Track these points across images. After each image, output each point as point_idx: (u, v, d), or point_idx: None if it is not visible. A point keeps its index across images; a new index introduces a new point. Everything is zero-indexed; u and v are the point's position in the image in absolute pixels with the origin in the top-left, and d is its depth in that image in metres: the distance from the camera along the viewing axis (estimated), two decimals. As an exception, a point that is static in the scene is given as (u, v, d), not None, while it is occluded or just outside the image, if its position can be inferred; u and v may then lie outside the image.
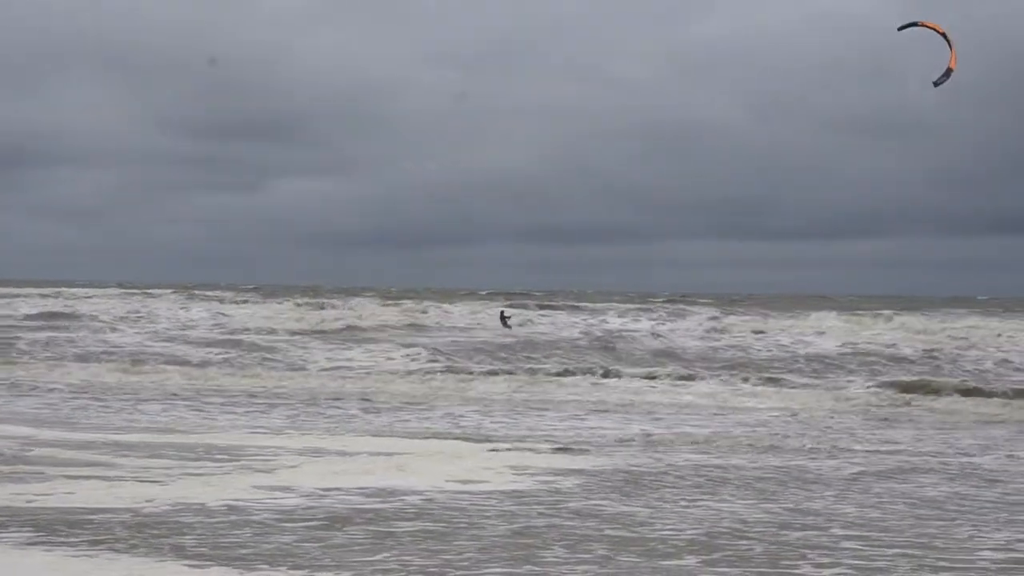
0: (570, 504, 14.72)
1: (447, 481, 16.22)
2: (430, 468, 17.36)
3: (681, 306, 59.98)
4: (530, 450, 19.35)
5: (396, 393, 29.24)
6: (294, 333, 45.13)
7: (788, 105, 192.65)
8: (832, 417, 25.54)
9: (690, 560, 11.87)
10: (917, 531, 13.35)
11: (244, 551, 11.88)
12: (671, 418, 24.93)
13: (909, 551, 12.25)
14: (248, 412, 25.07)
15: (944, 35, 16.03)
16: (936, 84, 16.09)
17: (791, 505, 14.83)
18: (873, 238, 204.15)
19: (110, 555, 11.56)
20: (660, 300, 71.93)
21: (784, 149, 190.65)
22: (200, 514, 13.63)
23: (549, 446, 19.89)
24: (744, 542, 12.70)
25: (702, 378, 31.94)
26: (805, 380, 32.40)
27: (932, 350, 38.10)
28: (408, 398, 28.27)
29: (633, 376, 32.32)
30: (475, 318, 50.36)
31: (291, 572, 11.04)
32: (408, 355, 37.17)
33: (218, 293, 64.65)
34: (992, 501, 15.31)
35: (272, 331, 45.35)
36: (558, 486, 16.02)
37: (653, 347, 40.37)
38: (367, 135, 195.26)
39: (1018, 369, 34.68)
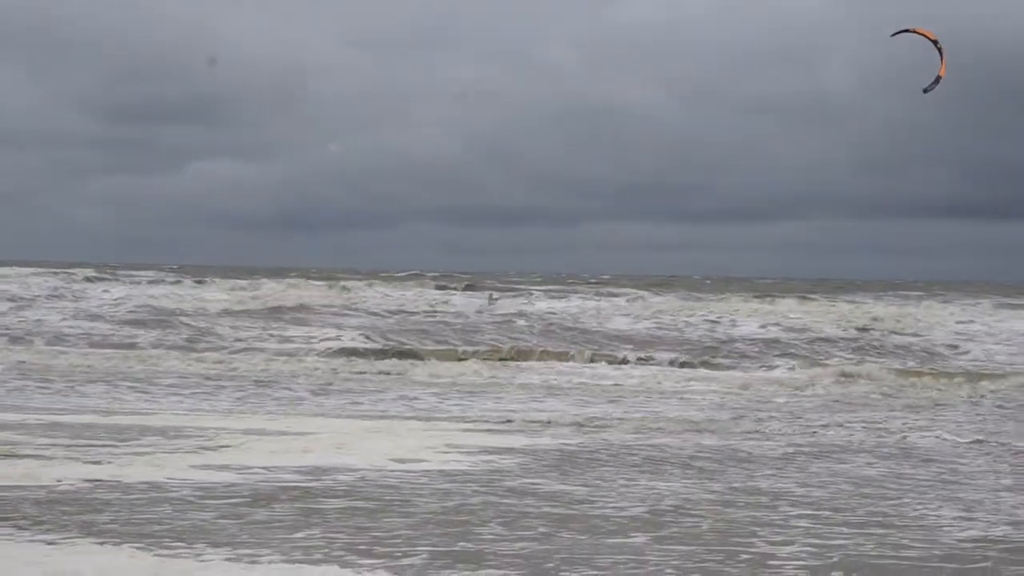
0: (507, 483, 14.08)
1: (385, 460, 15.53)
2: (370, 447, 16.64)
3: (610, 288, 59.53)
4: (470, 430, 18.73)
5: (343, 374, 28.14)
6: (228, 313, 43.38)
7: (709, 89, 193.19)
8: (763, 399, 25.07)
9: (638, 537, 11.29)
10: (868, 509, 12.84)
11: (157, 527, 11.17)
12: (606, 399, 24.30)
13: (868, 529, 11.74)
14: (194, 393, 23.96)
15: (936, 42, 15.87)
16: (925, 91, 16.00)
17: (734, 484, 14.29)
18: (795, 220, 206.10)
19: (10, 531, 10.80)
20: (586, 283, 71.41)
21: (706, 133, 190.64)
22: (117, 491, 12.88)
23: (492, 426, 19.29)
24: (690, 519, 12.15)
25: (637, 361, 31.31)
26: (735, 362, 31.98)
27: (860, 331, 38.02)
28: (355, 379, 27.19)
29: (570, 359, 31.57)
30: (407, 300, 49.15)
31: (206, 549, 10.37)
32: (350, 336, 36.09)
33: (140, 273, 62.65)
34: (929, 480, 14.90)
35: (204, 312, 43.57)
36: (496, 465, 15.38)
37: (589, 329, 39.72)
38: (287, 117, 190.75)
39: (950, 347, 34.74)
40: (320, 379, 27.29)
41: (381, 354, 32.03)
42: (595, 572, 9.96)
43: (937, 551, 10.88)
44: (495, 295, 48.78)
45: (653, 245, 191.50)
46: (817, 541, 11.21)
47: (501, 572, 9.89)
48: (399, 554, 10.43)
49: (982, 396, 25.62)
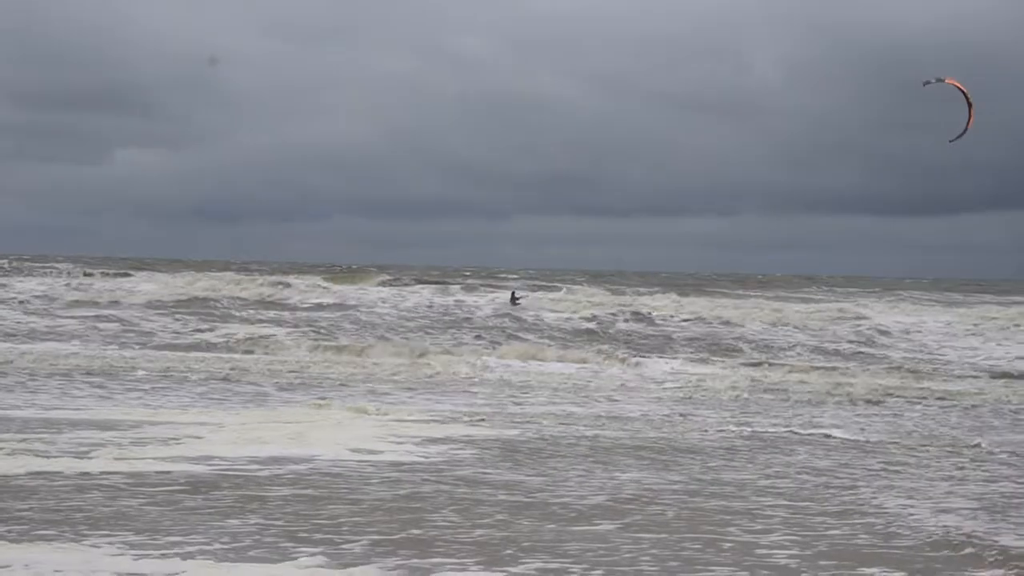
0: (459, 472, 13.25)
1: (340, 450, 14.67)
2: (325, 438, 15.68)
3: (539, 281, 59.06)
4: (425, 422, 17.77)
5: (298, 370, 25.90)
6: (165, 307, 41.20)
7: (629, 83, 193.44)
8: (695, 392, 24.05)
9: (603, 524, 10.56)
10: (841, 499, 12.19)
11: (79, 515, 10.32)
12: (552, 393, 23.24)
13: (853, 519, 11.12)
14: (155, 388, 22.01)
15: (966, 94, 15.92)
16: (952, 141, 16.24)
17: (695, 475, 13.51)
18: (712, 216, 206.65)
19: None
20: (510, 275, 70.66)
21: (624, 126, 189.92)
22: (42, 479, 12.01)
23: (445, 419, 18.26)
24: (655, 508, 11.41)
25: (579, 356, 30.03)
26: (669, 356, 30.96)
27: (776, 327, 37.80)
28: (308, 376, 25.27)
29: (504, 354, 30.13)
30: (341, 294, 47.34)
31: (129, 537, 9.64)
32: (288, 332, 34.06)
33: (60, 265, 60.20)
34: (876, 470, 14.27)
35: (134, 304, 41.35)
36: (449, 456, 14.49)
37: (527, 324, 38.69)
38: (204, 106, 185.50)
39: (865, 344, 34.89)
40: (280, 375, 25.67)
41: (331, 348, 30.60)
42: (562, 559, 9.28)
43: (919, 539, 10.29)
44: (519, 294, 47.66)
45: (572, 239, 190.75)
46: (800, 529, 10.55)
47: (452, 560, 9.18)
48: (339, 540, 9.72)
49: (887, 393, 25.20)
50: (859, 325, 38.77)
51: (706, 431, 17.57)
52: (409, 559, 9.13)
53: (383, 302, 44.06)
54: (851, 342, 35.27)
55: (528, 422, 18.03)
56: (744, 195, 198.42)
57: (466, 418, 18.28)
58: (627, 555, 9.44)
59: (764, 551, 9.66)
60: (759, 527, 10.60)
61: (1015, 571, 9.15)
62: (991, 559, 9.54)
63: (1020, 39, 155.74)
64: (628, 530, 10.33)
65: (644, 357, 30.13)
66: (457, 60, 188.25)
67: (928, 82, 16.07)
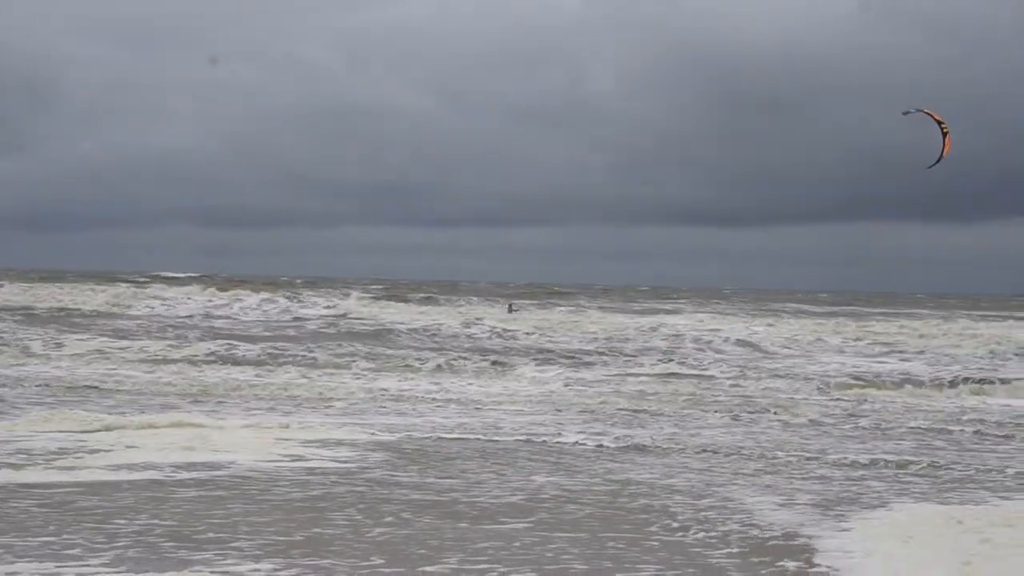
0: (368, 475, 12.82)
1: (250, 457, 13.96)
2: (239, 445, 14.91)
3: (393, 292, 59.05)
4: (329, 429, 16.85)
5: (197, 383, 23.56)
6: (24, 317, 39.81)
7: (467, 92, 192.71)
8: (562, 402, 22.53)
9: (512, 522, 10.36)
10: (736, 494, 12.19)
11: None
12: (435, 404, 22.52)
13: (813, 517, 11.10)
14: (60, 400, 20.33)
15: (941, 124, 16.34)
16: (929, 168, 16.73)
17: (597, 475, 13.22)
18: (549, 226, 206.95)
19: None
20: (358, 284, 69.96)
21: (462, 136, 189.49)
22: None
23: (351, 430, 17.27)
24: (573, 507, 11.20)
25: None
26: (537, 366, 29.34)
27: (614, 337, 38.00)
28: (213, 387, 23.28)
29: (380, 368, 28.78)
30: (194, 306, 46.15)
31: None
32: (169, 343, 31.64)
33: None
34: (749, 472, 14.04)
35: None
36: (359, 463, 13.82)
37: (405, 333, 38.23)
38: (35, 112, 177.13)
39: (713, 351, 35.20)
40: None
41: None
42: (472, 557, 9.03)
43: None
44: (515, 305, 48.50)
45: (409, 248, 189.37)
46: (715, 525, 10.50)
47: (349, 561, 8.84)
48: (229, 538, 9.39)
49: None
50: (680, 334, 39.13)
51: (589, 437, 17.01)
52: (297, 559, 8.82)
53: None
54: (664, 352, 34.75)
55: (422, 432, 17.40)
56: (579, 205, 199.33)
57: (360, 429, 17.38)
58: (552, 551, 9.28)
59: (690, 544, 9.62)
60: (676, 525, 10.49)
61: None
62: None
63: (851, 54, 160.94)
64: (541, 528, 10.13)
65: (505, 368, 28.73)
66: (297, 69, 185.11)
67: (908, 112, 16.45)
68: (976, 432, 18.19)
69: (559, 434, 16.82)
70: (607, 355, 32.17)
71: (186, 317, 41.65)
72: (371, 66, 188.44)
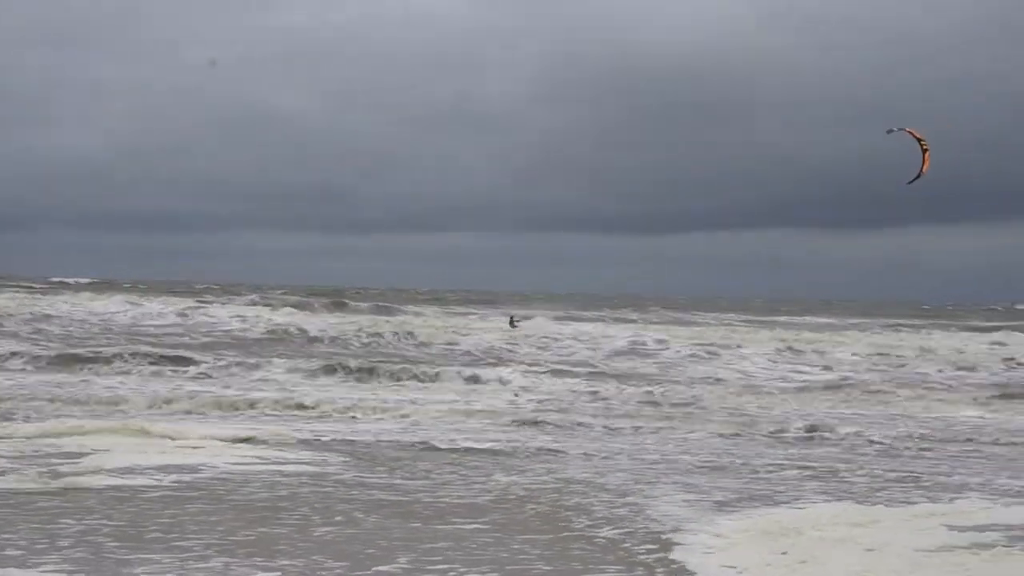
0: (335, 477, 14.16)
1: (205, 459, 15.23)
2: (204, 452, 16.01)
3: (296, 298, 58.04)
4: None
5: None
6: None
7: (367, 97, 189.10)
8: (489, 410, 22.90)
9: (459, 521, 11.66)
10: (658, 491, 13.60)
11: None
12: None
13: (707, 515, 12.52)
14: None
15: (920, 141, 16.91)
16: (909, 183, 17.24)
17: (541, 476, 14.77)
18: (450, 232, 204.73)
19: None
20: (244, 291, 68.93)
21: (363, 141, 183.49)
22: None
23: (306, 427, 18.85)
24: (525, 505, 12.65)
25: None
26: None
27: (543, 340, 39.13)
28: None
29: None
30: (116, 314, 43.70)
31: None
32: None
33: None
34: (667, 471, 15.68)
35: None
36: (319, 467, 15.08)
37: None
38: None
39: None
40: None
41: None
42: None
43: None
44: (516, 317, 48.73)
45: (305, 253, 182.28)
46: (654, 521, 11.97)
47: (294, 561, 9.79)
48: (176, 537, 10.42)
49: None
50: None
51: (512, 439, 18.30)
52: (242, 558, 9.79)
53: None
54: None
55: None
56: (473, 211, 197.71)
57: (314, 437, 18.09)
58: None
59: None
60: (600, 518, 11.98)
61: None
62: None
63: (755, 61, 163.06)
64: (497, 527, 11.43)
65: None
66: (192, 72, 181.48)
67: (891, 131, 16.94)
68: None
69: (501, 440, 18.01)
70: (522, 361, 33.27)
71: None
72: (263, 69, 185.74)
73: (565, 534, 11.24)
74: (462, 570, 9.75)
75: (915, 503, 13.36)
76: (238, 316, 43.33)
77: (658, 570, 9.95)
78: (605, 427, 20.38)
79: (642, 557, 10.36)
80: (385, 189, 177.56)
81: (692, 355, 37.01)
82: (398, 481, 14.15)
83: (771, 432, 20.10)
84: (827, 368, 34.17)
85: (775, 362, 35.29)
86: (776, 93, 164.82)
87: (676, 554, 10.47)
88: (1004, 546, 10.84)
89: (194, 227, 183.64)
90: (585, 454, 16.97)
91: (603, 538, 11.12)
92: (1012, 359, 37.94)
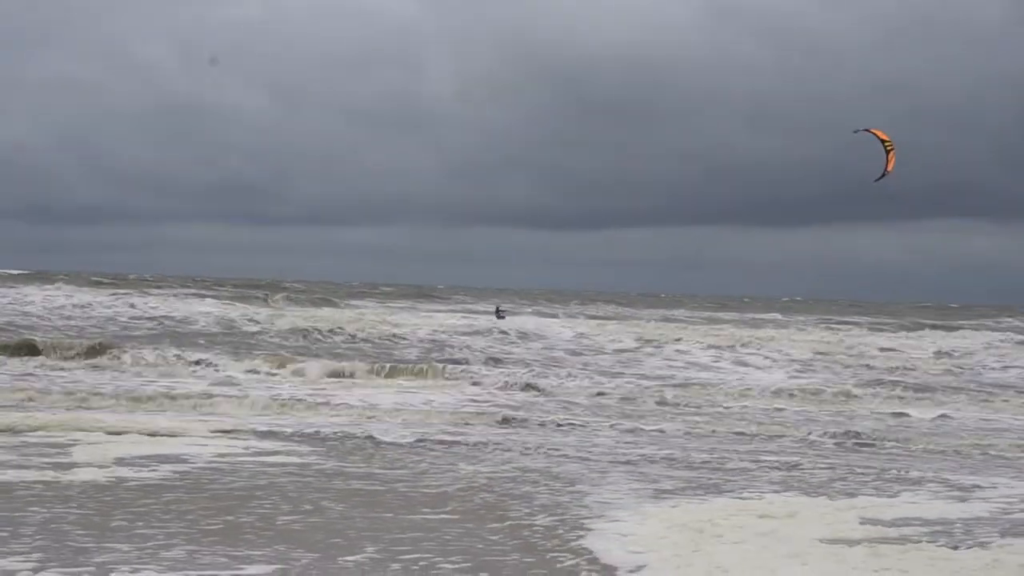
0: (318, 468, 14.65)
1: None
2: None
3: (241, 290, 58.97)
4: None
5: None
6: None
7: (305, 92, 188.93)
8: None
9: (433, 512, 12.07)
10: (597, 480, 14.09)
11: None
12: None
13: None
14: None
15: (885, 142, 17.32)
16: (876, 181, 17.70)
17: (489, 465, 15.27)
18: (377, 227, 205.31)
19: None
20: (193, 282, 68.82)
21: (298, 136, 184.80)
22: None
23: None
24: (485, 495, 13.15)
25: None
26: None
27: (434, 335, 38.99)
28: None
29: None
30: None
31: None
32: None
33: None
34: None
35: None
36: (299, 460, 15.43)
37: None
38: None
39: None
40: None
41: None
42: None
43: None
44: (503, 308, 48.87)
45: (240, 247, 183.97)
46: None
47: (259, 551, 10.15)
48: (141, 526, 10.85)
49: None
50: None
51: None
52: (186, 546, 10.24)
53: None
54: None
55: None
56: (414, 207, 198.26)
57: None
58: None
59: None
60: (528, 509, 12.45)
61: None
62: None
63: (692, 61, 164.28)
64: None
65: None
66: (134, 66, 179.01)
67: (857, 131, 17.37)
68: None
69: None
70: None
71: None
72: (205, 63, 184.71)
73: (492, 524, 11.69)
74: (371, 548, 10.35)
75: (854, 496, 13.69)
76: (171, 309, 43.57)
77: (563, 555, 10.38)
78: (559, 422, 20.77)
79: (553, 543, 10.82)
80: (323, 184, 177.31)
81: (637, 349, 37.65)
82: (350, 469, 14.76)
83: (735, 431, 20.31)
84: (778, 364, 34.79)
85: (720, 359, 35.80)
86: (715, 93, 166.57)
87: (588, 540, 10.94)
88: (913, 541, 11.05)
89: (136, 220, 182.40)
90: (539, 447, 17.36)
91: (530, 524, 11.64)
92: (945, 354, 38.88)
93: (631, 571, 9.78)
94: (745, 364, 34.81)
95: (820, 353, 38.11)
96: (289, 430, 18.14)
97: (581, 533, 11.22)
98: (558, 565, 10.00)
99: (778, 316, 68.01)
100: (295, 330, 38.94)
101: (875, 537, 11.17)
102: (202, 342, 34.47)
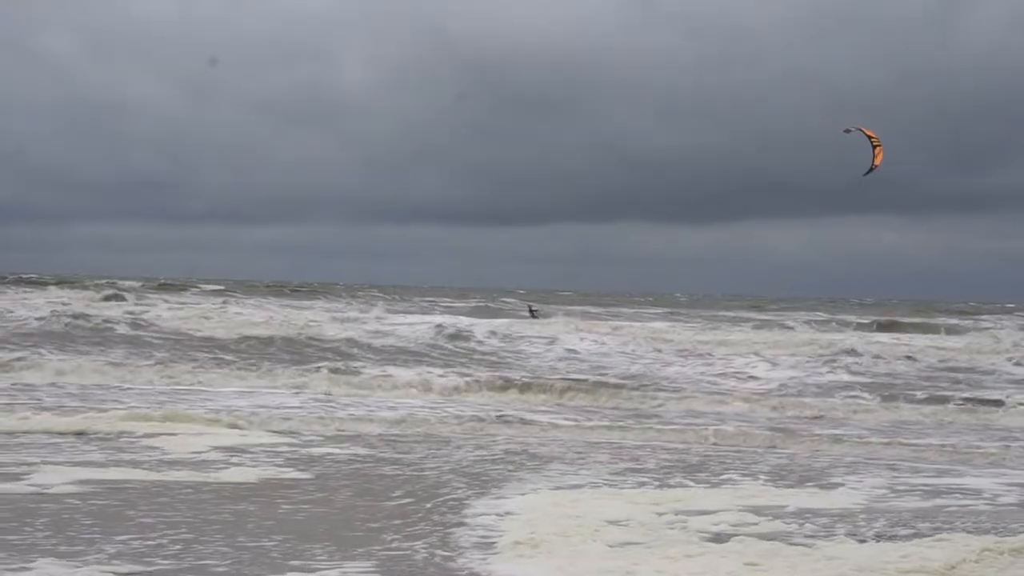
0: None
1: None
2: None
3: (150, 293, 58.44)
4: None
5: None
6: None
7: (216, 86, 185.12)
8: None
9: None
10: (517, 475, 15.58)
11: None
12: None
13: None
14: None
15: (871, 138, 17.57)
16: (864, 176, 17.95)
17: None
18: (289, 224, 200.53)
19: None
20: (90, 283, 67.44)
21: (208, 131, 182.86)
22: None
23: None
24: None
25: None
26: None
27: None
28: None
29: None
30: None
31: None
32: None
33: None
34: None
35: None
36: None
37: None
38: None
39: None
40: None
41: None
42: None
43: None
44: (535, 307, 48.50)
45: (148, 245, 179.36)
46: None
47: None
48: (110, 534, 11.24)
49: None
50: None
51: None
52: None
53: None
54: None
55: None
56: (326, 203, 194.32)
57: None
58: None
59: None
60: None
61: None
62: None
63: (612, 53, 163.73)
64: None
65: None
66: (38, 59, 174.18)
67: (848, 130, 17.59)
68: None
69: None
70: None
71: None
72: (113, 58, 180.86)
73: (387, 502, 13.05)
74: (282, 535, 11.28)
75: (719, 486, 14.87)
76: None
77: (433, 535, 11.56)
78: (503, 416, 22.29)
79: (432, 524, 12.07)
80: (236, 179, 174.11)
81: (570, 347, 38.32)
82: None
83: (677, 429, 21.28)
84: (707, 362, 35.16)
85: (641, 356, 36.37)
86: (637, 87, 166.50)
87: (467, 519, 12.26)
88: (731, 533, 11.75)
89: (39, 218, 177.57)
90: (477, 445, 18.41)
91: (415, 507, 12.95)
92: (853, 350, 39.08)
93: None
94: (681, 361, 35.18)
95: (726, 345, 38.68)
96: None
97: (457, 516, 12.49)
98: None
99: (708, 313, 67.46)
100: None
101: (687, 528, 12.27)
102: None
